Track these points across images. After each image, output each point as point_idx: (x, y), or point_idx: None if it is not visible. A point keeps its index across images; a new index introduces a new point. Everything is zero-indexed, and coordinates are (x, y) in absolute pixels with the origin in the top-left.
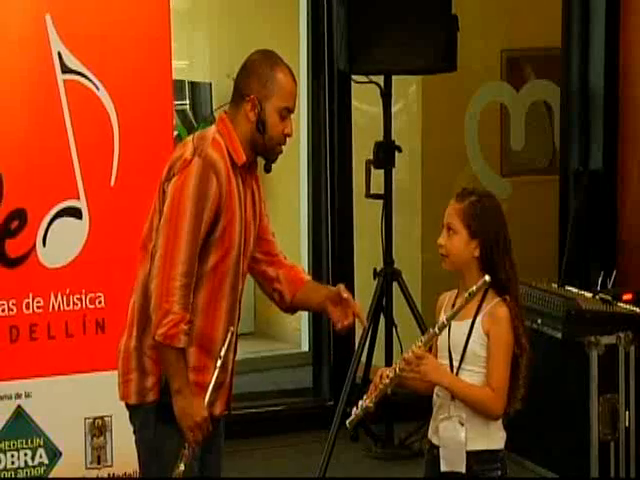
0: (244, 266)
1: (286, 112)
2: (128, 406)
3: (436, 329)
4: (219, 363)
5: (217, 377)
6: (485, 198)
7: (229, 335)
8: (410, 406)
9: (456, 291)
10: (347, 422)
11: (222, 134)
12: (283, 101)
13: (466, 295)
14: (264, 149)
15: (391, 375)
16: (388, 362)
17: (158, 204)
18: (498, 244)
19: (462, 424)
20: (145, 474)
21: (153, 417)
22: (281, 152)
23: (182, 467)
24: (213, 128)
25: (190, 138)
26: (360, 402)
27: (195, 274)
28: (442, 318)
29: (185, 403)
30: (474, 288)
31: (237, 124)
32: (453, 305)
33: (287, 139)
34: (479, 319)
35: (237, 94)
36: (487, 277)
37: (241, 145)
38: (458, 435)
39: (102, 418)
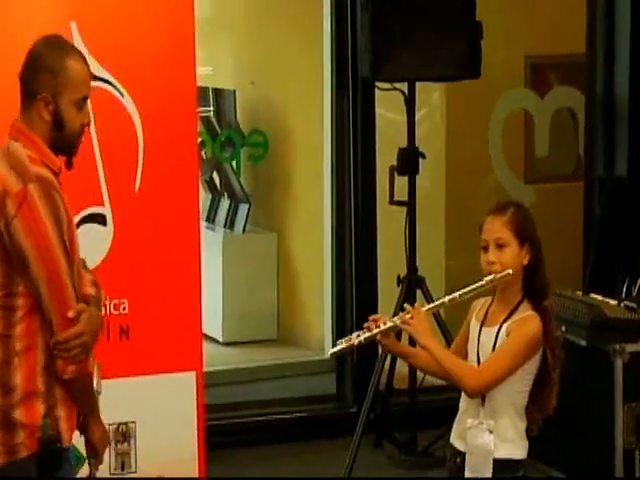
0: None
1: (82, 102)
2: None
3: (446, 299)
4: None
5: None
6: (520, 205)
7: (97, 367)
8: (434, 413)
9: (490, 298)
10: (330, 351)
11: (29, 147)
12: (78, 92)
13: (488, 278)
14: (64, 145)
15: (388, 323)
16: (411, 370)
17: None
18: (540, 248)
19: (491, 432)
20: None
21: (33, 471)
22: (81, 143)
23: None
24: (16, 145)
25: (1, 166)
26: (350, 336)
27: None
28: (473, 323)
29: (102, 425)
30: (496, 276)
31: (33, 128)
32: (486, 313)
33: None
34: (506, 325)
35: (27, 93)
36: (510, 270)
37: (47, 150)
38: (485, 442)
39: (126, 424)
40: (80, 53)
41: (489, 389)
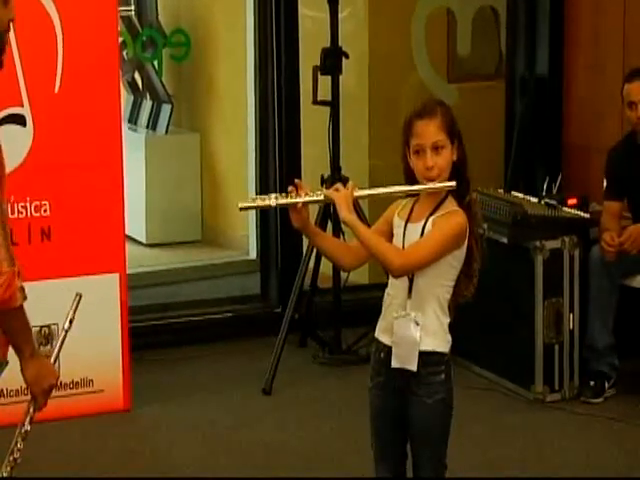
0: None
1: None
2: None
3: (381, 191)
4: (67, 325)
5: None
6: (443, 103)
7: (77, 299)
8: (358, 312)
9: (412, 200)
10: (240, 204)
11: None
12: None
13: (430, 184)
14: None
15: (311, 195)
16: (335, 269)
17: None
18: (463, 143)
19: (417, 323)
20: None
21: None
22: (8, 41)
23: (28, 427)
24: None
25: None
26: (268, 195)
27: (5, 221)
28: (397, 222)
29: (39, 366)
30: (440, 185)
31: None
32: (410, 210)
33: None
34: (432, 218)
35: None
36: (454, 182)
37: None
38: (412, 333)
39: (49, 326)
40: None
41: (413, 269)
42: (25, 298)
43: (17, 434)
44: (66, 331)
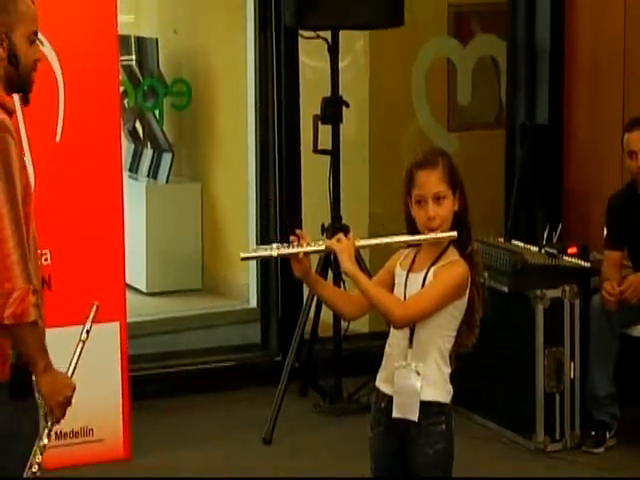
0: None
1: (34, 36)
2: None
3: (384, 240)
4: (84, 336)
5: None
6: (445, 153)
7: (94, 309)
8: (358, 361)
9: (413, 250)
10: (242, 255)
11: None
12: (29, 25)
13: (432, 234)
14: (20, 83)
15: (314, 245)
16: (336, 318)
17: None
18: (465, 194)
19: (418, 373)
20: (8, 460)
21: (6, 396)
22: (34, 81)
23: (46, 441)
24: None
25: None
26: (270, 245)
27: (26, 240)
28: (398, 272)
29: (53, 380)
30: (442, 235)
31: None
32: (412, 260)
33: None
34: (433, 268)
35: None
36: (455, 232)
37: (3, 91)
38: (414, 383)
39: None
40: None
41: (415, 320)
42: (40, 315)
43: (35, 448)
44: (83, 342)
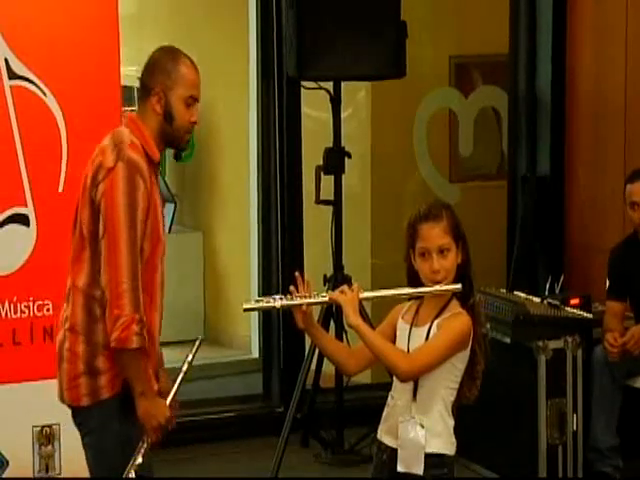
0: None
1: (191, 100)
2: (78, 409)
3: (389, 293)
4: (185, 367)
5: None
6: (449, 206)
7: (197, 343)
8: (360, 412)
9: (416, 302)
10: (244, 305)
11: (135, 134)
12: (187, 90)
13: (436, 287)
14: (173, 139)
15: (316, 296)
16: (338, 369)
17: (86, 214)
18: (467, 245)
19: (422, 426)
20: (108, 469)
21: (116, 410)
22: (189, 140)
23: (140, 460)
24: (125, 130)
25: (107, 143)
26: (272, 297)
27: (140, 275)
28: (401, 325)
29: (149, 405)
30: (447, 287)
31: (146, 120)
32: (415, 313)
33: (194, 126)
34: (437, 321)
35: (143, 91)
36: (459, 285)
37: (153, 141)
38: (418, 436)
39: (50, 426)
40: (191, 59)
41: (420, 373)
42: (144, 345)
43: (130, 465)
44: (185, 372)
